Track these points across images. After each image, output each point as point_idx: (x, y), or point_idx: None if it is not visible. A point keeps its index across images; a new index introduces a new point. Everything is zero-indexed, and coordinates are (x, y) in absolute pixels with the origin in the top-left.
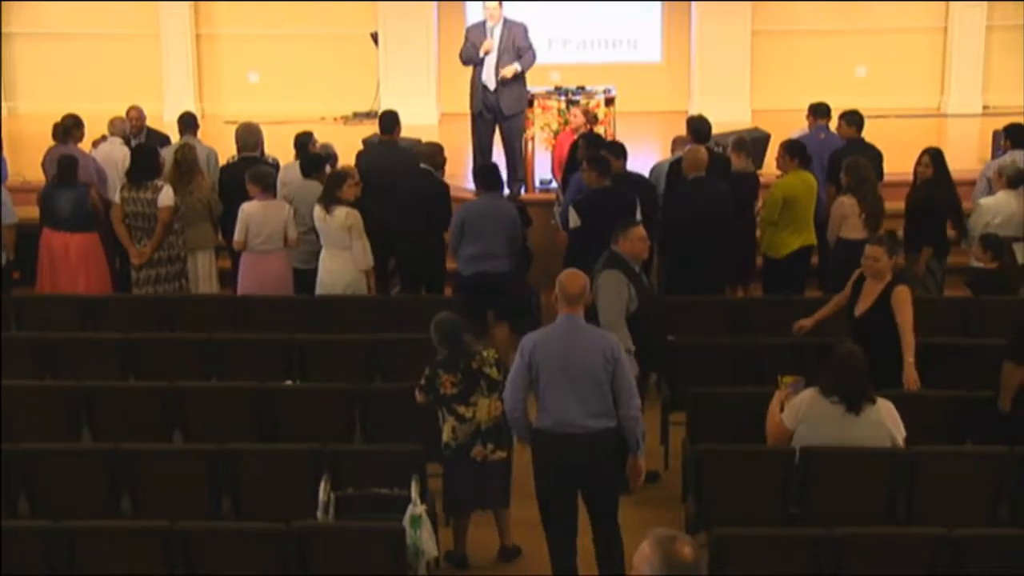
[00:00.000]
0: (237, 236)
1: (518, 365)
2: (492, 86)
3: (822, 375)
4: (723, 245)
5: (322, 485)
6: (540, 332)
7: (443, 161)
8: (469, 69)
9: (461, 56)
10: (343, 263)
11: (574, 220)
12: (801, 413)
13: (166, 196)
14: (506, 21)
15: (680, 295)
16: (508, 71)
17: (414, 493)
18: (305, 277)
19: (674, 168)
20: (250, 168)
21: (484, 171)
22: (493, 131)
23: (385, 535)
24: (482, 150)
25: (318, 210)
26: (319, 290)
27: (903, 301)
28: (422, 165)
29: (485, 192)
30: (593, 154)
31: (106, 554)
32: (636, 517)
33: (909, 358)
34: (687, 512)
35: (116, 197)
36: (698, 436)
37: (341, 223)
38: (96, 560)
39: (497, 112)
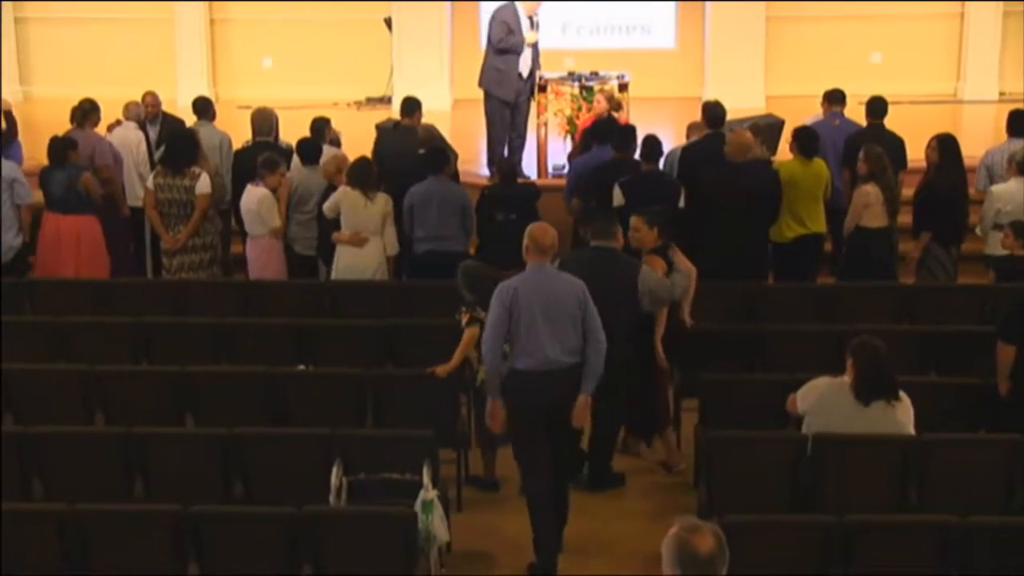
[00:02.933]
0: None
1: (499, 313)
2: (526, 74)
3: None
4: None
5: (334, 470)
6: (515, 280)
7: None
8: (481, 55)
9: (501, 42)
10: (375, 248)
11: (618, 199)
12: (814, 400)
13: (204, 183)
14: None
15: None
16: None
17: (426, 478)
18: (307, 263)
19: (686, 154)
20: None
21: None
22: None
23: (397, 520)
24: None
25: (356, 197)
26: (341, 275)
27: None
28: (421, 151)
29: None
30: (646, 138)
31: (118, 537)
32: (647, 504)
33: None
34: (698, 498)
35: (149, 183)
36: (710, 422)
37: (382, 208)
38: (108, 543)
39: (525, 97)
